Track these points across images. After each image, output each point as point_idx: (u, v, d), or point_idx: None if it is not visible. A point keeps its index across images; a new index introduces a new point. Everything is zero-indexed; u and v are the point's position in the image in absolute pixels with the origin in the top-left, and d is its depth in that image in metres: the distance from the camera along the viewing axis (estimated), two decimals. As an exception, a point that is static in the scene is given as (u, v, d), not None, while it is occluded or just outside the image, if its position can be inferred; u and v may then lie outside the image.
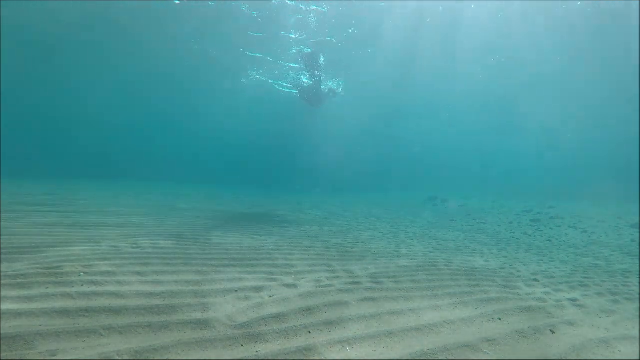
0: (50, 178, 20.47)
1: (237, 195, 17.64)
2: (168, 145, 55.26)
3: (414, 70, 19.93)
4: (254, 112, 30.56)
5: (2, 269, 2.98)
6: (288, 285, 3.33)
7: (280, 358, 2.04)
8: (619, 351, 2.50)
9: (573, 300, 3.58)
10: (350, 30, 15.29)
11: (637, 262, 5.81)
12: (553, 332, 2.73)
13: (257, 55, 18.00)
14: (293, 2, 13.08)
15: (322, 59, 17.49)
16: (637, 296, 3.84)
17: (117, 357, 1.89)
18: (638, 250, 6.86)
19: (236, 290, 3.06)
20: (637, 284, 4.34)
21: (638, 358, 2.42)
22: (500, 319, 2.94)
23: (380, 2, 13.17)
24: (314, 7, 13.40)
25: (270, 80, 22.11)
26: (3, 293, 2.50)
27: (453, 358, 2.22)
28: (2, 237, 4.16)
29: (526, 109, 26.11)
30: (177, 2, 13.91)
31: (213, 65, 20.56)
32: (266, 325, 2.44)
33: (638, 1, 12.31)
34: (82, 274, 3.03)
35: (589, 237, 8.57)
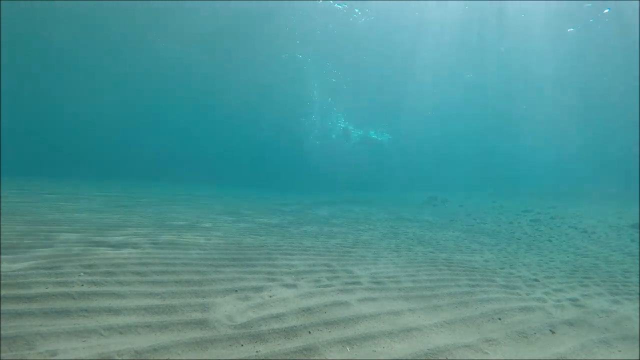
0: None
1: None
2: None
3: (415, 71, 20.24)
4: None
5: (2, 269, 2.98)
6: (288, 285, 3.33)
7: (280, 358, 2.04)
8: (619, 351, 2.50)
9: (573, 300, 3.58)
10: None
11: (637, 262, 5.80)
12: (553, 332, 2.73)
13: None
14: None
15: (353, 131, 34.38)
16: (637, 296, 3.84)
17: (117, 357, 1.89)
18: (638, 250, 6.86)
19: (236, 291, 3.06)
20: (637, 284, 4.34)
21: (638, 358, 2.42)
22: (500, 319, 2.94)
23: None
24: None
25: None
26: (3, 293, 2.50)
27: (453, 358, 2.22)
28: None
29: (527, 107, 26.17)
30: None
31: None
32: (266, 325, 2.44)
33: (638, 1, 12.30)
34: (82, 273, 3.03)
35: (589, 237, 8.57)
